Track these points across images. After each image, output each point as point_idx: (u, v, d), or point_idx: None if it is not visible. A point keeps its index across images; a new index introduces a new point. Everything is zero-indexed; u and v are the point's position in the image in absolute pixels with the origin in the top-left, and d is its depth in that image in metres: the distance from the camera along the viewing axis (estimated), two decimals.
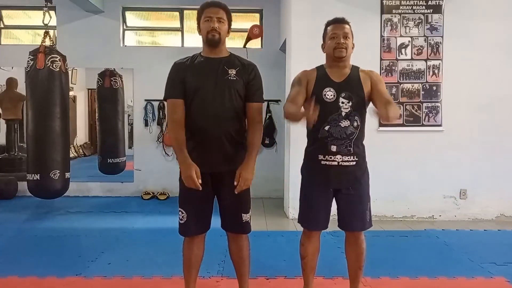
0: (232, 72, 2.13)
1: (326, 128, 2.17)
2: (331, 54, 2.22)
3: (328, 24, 2.28)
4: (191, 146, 2.13)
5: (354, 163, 2.20)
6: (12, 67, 5.86)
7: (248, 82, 2.15)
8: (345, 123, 2.16)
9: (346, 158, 2.18)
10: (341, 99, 2.17)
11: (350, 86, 2.20)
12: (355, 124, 2.18)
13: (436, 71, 4.44)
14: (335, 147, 2.17)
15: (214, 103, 2.04)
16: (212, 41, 2.11)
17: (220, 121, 2.07)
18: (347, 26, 2.23)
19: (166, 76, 2.19)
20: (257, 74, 2.19)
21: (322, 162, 2.20)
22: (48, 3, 4.22)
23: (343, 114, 2.17)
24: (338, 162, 2.18)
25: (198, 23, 2.19)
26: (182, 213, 2.18)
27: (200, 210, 2.19)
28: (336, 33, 2.20)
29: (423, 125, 4.44)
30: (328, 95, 2.18)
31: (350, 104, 2.17)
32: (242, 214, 2.20)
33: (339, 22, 2.24)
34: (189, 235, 2.22)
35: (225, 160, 2.12)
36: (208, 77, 2.10)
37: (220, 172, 2.14)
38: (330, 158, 2.18)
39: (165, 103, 2.22)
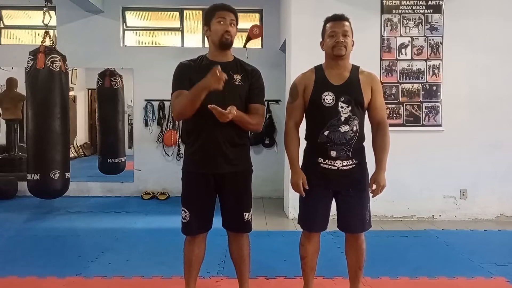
0: (237, 77, 2.16)
1: (326, 133, 2.15)
2: (330, 53, 2.18)
3: (327, 21, 2.23)
4: (194, 147, 2.16)
5: (354, 165, 2.19)
6: (12, 67, 5.86)
7: (250, 84, 2.19)
8: (344, 128, 2.14)
9: (345, 163, 2.17)
10: (340, 104, 2.14)
11: (349, 90, 2.16)
12: (354, 128, 2.15)
13: (436, 71, 4.44)
14: (334, 152, 2.15)
15: (219, 107, 2.03)
16: (226, 44, 2.13)
17: (224, 124, 2.07)
18: (346, 23, 2.18)
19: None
20: (260, 78, 2.24)
21: (322, 165, 2.19)
22: (48, 3, 4.22)
23: (343, 119, 2.14)
24: (338, 167, 2.17)
25: (208, 24, 2.17)
26: (185, 212, 2.19)
27: (203, 209, 2.20)
28: (335, 31, 2.15)
29: (423, 125, 4.44)
30: (327, 99, 2.15)
31: (350, 108, 2.14)
32: (244, 213, 2.22)
33: (338, 19, 2.19)
34: (191, 234, 2.23)
35: (227, 162, 2.14)
36: None
37: (222, 173, 2.15)
38: (330, 162, 2.17)
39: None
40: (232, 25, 2.14)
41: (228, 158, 2.14)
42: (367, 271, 2.51)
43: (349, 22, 2.20)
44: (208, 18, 2.16)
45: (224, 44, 2.13)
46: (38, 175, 4.01)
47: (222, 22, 2.12)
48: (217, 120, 2.04)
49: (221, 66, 2.14)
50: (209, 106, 1.96)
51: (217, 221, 2.25)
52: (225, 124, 2.06)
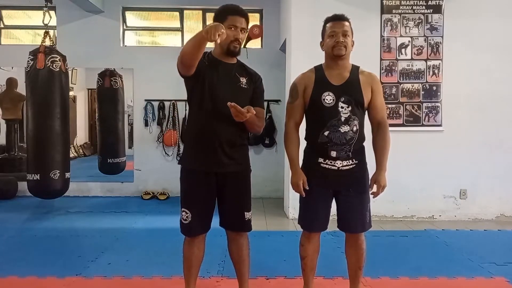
0: (243, 80, 2.19)
1: (326, 133, 2.15)
2: (330, 53, 2.18)
3: (327, 21, 2.23)
4: (199, 146, 2.16)
5: (354, 165, 2.19)
6: (12, 67, 5.87)
7: (254, 88, 2.23)
8: (344, 129, 2.13)
9: (345, 163, 2.17)
10: (340, 104, 2.14)
11: (349, 90, 2.16)
12: (355, 129, 2.15)
13: (436, 71, 4.44)
14: (335, 152, 2.15)
15: (227, 107, 2.01)
16: (234, 52, 2.15)
17: (230, 124, 2.08)
18: (346, 23, 2.18)
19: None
20: (261, 83, 2.29)
21: (322, 165, 2.19)
22: (48, 3, 4.22)
23: (343, 119, 2.14)
24: (338, 167, 2.17)
25: None
26: (187, 213, 2.18)
27: (204, 210, 2.20)
28: (335, 31, 2.15)
29: (423, 125, 4.44)
30: (327, 99, 2.15)
31: (350, 108, 2.14)
32: (245, 213, 2.23)
33: (338, 19, 2.19)
34: (192, 235, 2.23)
35: (231, 161, 2.16)
36: (223, 81, 2.14)
37: (225, 172, 2.16)
38: (331, 162, 2.17)
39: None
40: (243, 31, 2.14)
41: (232, 157, 2.15)
42: (367, 271, 2.51)
43: (349, 22, 2.21)
44: (219, 20, 2.11)
45: (231, 52, 2.14)
46: (38, 175, 4.01)
47: (233, 29, 2.10)
48: (221, 119, 2.08)
49: (228, 68, 2.18)
50: (228, 103, 1.97)
51: (216, 221, 2.25)
52: (229, 124, 2.08)
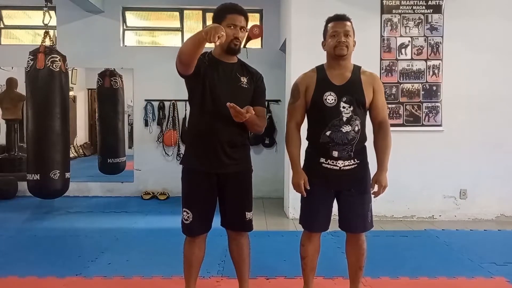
0: (244, 80, 2.18)
1: (328, 133, 2.15)
2: (331, 53, 2.18)
3: (329, 21, 2.23)
4: (199, 146, 2.16)
5: (356, 165, 2.19)
6: (12, 67, 5.87)
7: (254, 88, 2.22)
8: (346, 128, 2.13)
9: (347, 163, 2.17)
10: (342, 104, 2.14)
11: (351, 90, 2.16)
12: (356, 128, 2.15)
13: (436, 71, 4.44)
14: (336, 152, 2.15)
15: (227, 108, 2.01)
16: (233, 50, 2.14)
17: (231, 124, 2.08)
18: (348, 23, 2.18)
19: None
20: (263, 82, 2.28)
21: (324, 165, 2.19)
22: (48, 3, 4.22)
23: (344, 119, 2.14)
24: (340, 167, 2.17)
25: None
26: (188, 213, 2.18)
27: (205, 210, 2.20)
28: (336, 31, 2.15)
29: (423, 125, 4.44)
30: (329, 99, 2.15)
31: (351, 108, 2.14)
32: (246, 213, 2.23)
33: (340, 19, 2.19)
34: (193, 235, 2.23)
35: (232, 162, 2.16)
36: (223, 81, 2.14)
37: (227, 173, 2.16)
38: (332, 162, 2.17)
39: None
40: (242, 30, 2.14)
41: (232, 158, 2.15)
42: (367, 271, 2.50)
43: (351, 22, 2.21)
44: (218, 19, 2.12)
45: (231, 50, 2.14)
46: (38, 175, 4.00)
47: (232, 27, 2.10)
48: (221, 119, 2.07)
49: (228, 67, 2.18)
50: (227, 104, 1.96)
51: (216, 221, 2.25)
52: (229, 124, 2.08)
